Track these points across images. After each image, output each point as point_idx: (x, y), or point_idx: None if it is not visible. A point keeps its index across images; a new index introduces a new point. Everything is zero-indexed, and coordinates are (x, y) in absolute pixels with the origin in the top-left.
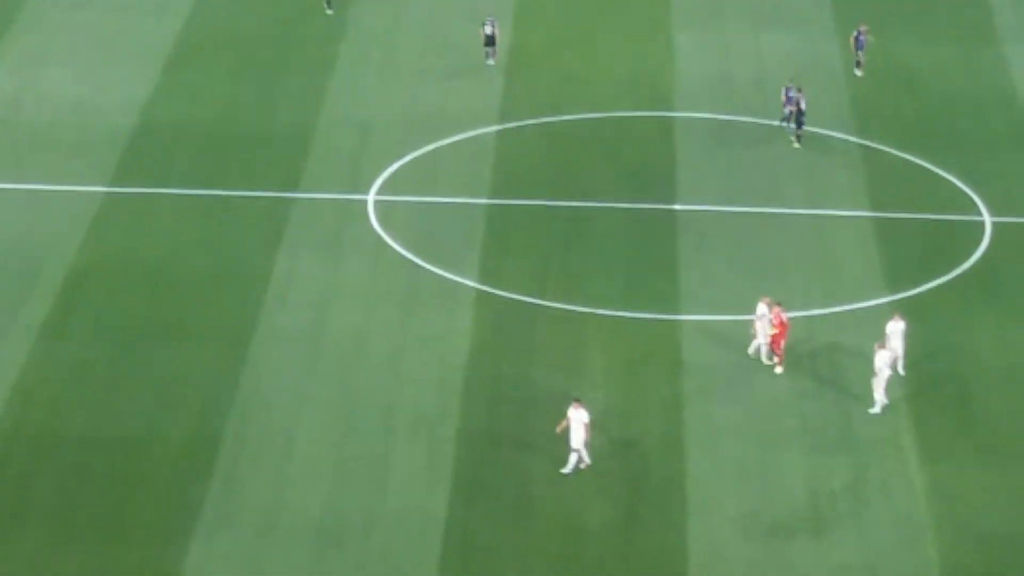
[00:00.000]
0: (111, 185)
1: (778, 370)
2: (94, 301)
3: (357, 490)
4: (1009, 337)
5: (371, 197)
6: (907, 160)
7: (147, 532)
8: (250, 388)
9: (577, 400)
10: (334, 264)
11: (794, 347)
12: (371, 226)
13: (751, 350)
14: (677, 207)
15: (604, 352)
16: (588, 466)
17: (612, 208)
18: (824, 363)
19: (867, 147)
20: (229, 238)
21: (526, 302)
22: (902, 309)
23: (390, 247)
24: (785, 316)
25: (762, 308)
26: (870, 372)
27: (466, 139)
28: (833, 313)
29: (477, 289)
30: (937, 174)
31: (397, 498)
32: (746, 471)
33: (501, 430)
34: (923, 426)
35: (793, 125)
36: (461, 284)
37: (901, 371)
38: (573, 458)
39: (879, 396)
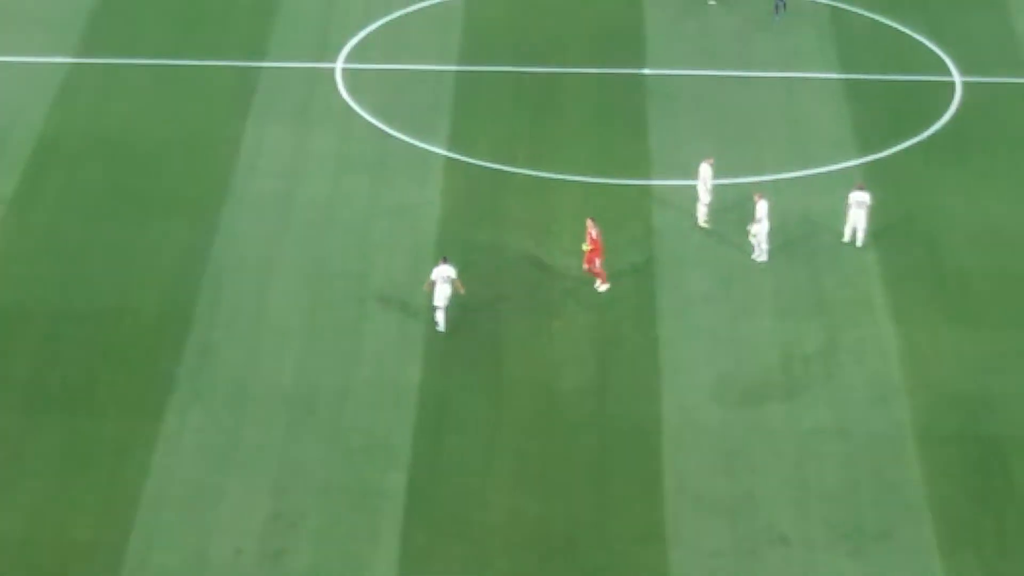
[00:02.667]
0: (76, 56)
1: (602, 288)
2: (62, 173)
3: (330, 359)
4: (979, 197)
5: (339, 65)
6: (876, 21)
7: (121, 405)
8: (221, 258)
9: (444, 258)
10: (303, 132)
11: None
12: (339, 94)
13: (699, 218)
14: (646, 71)
15: (575, 218)
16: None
17: (581, 73)
18: (795, 226)
19: (836, 8)
20: (197, 108)
21: (496, 169)
22: (869, 177)
23: (358, 115)
24: (596, 232)
25: (705, 169)
26: (839, 234)
27: (434, 4)
28: (804, 176)
29: (446, 156)
30: (907, 34)
31: (370, 367)
32: (718, 336)
33: (472, 297)
34: (895, 288)
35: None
36: (430, 152)
37: (859, 243)
38: (439, 315)
39: (764, 245)
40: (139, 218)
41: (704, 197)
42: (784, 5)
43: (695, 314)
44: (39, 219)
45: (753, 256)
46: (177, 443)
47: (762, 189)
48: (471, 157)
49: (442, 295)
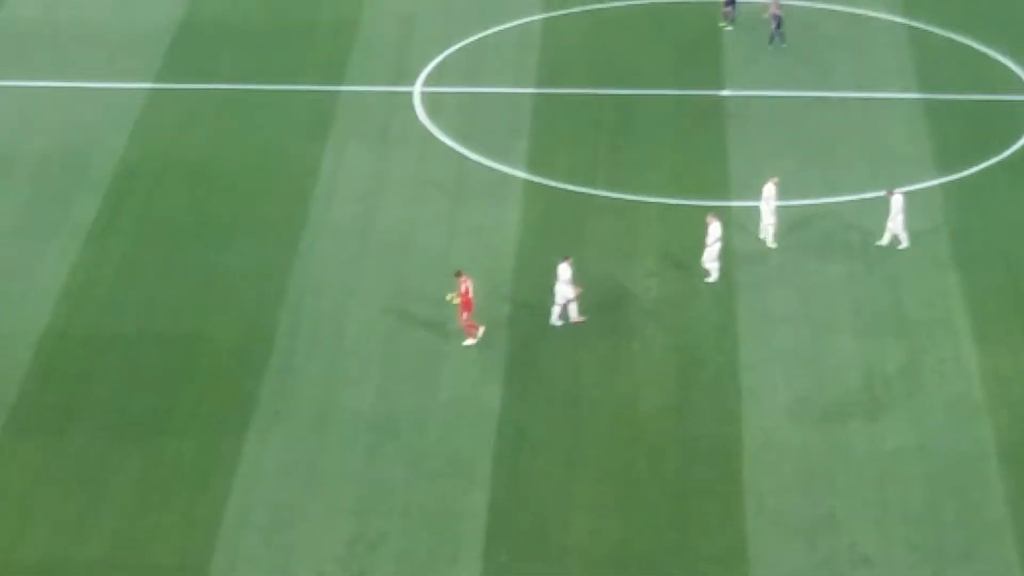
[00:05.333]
0: (156, 82)
1: (468, 342)
2: (142, 198)
3: (410, 382)
4: None
5: (417, 89)
6: (954, 40)
7: (202, 428)
8: (301, 282)
9: (565, 258)
10: (381, 157)
11: (845, 231)
12: (417, 118)
13: (761, 234)
14: (725, 93)
15: (654, 240)
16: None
17: (659, 95)
18: (874, 247)
19: (913, 27)
20: (276, 133)
21: (575, 191)
22: (948, 197)
23: (437, 139)
24: (468, 285)
25: (769, 188)
26: (919, 254)
27: (512, 27)
28: (883, 196)
29: (525, 179)
30: (985, 54)
31: (449, 389)
32: (799, 357)
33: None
34: (976, 308)
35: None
36: (509, 174)
37: (903, 245)
38: (556, 310)
39: (714, 266)
40: (219, 242)
41: (768, 217)
42: (782, 36)
43: (775, 335)
44: (120, 244)
45: (706, 280)
46: (258, 466)
47: (716, 212)
48: (550, 179)
49: (561, 294)
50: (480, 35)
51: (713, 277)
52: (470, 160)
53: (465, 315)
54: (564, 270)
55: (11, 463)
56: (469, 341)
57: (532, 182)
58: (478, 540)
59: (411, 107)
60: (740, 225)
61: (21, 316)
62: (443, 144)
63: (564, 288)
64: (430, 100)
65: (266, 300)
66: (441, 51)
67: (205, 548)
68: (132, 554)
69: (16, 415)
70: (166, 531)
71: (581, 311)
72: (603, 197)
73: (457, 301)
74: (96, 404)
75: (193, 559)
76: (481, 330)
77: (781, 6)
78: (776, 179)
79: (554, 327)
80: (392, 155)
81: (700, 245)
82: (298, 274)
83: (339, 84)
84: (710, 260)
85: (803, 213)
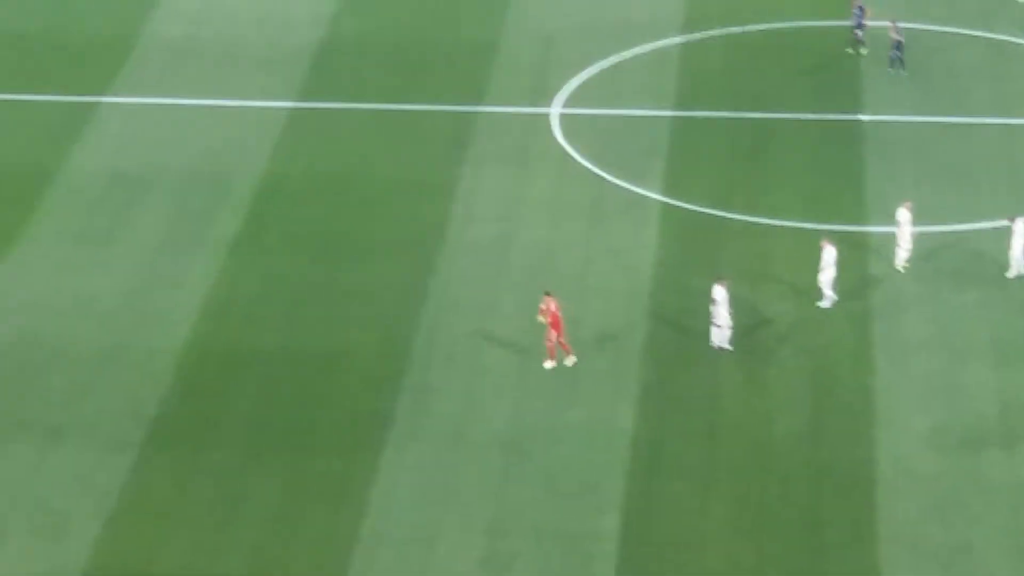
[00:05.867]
0: (298, 100)
1: (547, 364)
2: (283, 215)
3: (544, 402)
4: None
5: (555, 110)
6: None
7: (338, 443)
8: (438, 301)
9: (719, 278)
10: (519, 177)
11: (982, 258)
12: (555, 139)
13: (897, 262)
14: (862, 117)
15: (790, 264)
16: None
17: (796, 119)
18: (1014, 275)
19: None
20: (416, 152)
21: (711, 214)
22: None
23: (575, 160)
24: (555, 305)
25: (903, 214)
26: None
27: (650, 50)
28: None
29: (662, 202)
30: None
31: (584, 410)
32: (935, 384)
33: (687, 342)
34: None
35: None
36: (646, 196)
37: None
38: (714, 332)
39: (828, 292)
40: (359, 260)
41: (903, 242)
42: (901, 62)
43: (911, 361)
44: (261, 261)
45: (818, 304)
46: (394, 483)
47: (830, 237)
48: (686, 202)
49: (720, 316)
50: (619, 57)
51: (826, 303)
52: (607, 181)
53: (553, 335)
54: (720, 292)
55: (151, 477)
56: (549, 363)
57: (668, 204)
58: (610, 563)
59: (549, 128)
60: (876, 250)
61: (163, 331)
62: (580, 165)
63: (722, 310)
64: (568, 121)
65: (404, 319)
66: (580, 72)
67: (341, 564)
68: (269, 568)
69: (157, 429)
70: (303, 546)
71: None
72: (739, 220)
73: (545, 321)
74: (235, 419)
75: (329, 574)
76: (571, 359)
77: (901, 31)
78: (909, 204)
79: (723, 349)
80: (530, 176)
81: (836, 269)
82: (436, 293)
83: (478, 104)
84: (825, 285)
85: (939, 239)
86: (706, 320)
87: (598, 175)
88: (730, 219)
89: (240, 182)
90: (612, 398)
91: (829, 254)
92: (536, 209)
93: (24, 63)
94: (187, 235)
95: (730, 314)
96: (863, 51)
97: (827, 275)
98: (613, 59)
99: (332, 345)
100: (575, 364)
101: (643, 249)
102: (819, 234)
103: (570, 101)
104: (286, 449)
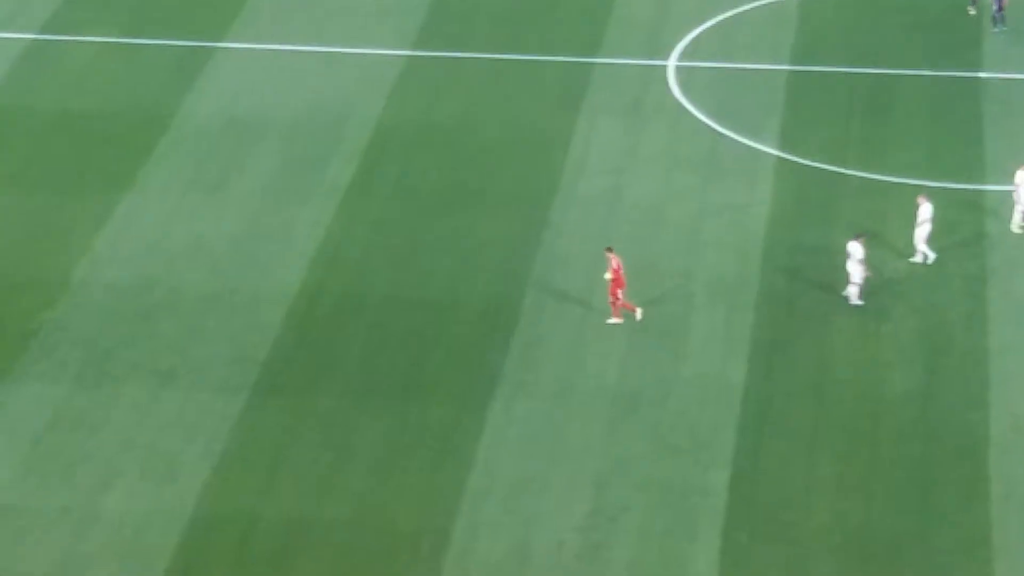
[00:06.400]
0: (413, 49)
1: (612, 320)
2: (396, 163)
3: (654, 356)
4: None
5: (671, 63)
6: None
7: (447, 393)
8: (549, 253)
9: (857, 235)
10: (633, 130)
11: None
12: (671, 92)
13: (1014, 224)
14: (982, 74)
15: (906, 222)
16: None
17: (915, 75)
18: None
19: None
20: (529, 103)
21: (827, 170)
22: None
23: (689, 113)
24: (617, 262)
25: (1021, 175)
26: None
27: (768, 3)
28: None
29: (777, 156)
30: None
31: (694, 365)
32: None
33: (800, 299)
34: None
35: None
36: (761, 151)
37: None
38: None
39: (923, 248)
40: (470, 210)
41: (1021, 204)
42: (1003, 18)
43: None
44: (373, 208)
45: (911, 260)
46: (502, 434)
47: (927, 193)
48: (802, 157)
49: (856, 272)
50: (736, 11)
51: (919, 258)
52: (722, 136)
53: (617, 292)
54: (856, 248)
55: (261, 422)
56: (614, 320)
57: (784, 159)
58: (718, 518)
59: (664, 81)
60: (993, 210)
61: (274, 277)
62: (695, 119)
63: (857, 267)
64: (684, 74)
65: (514, 270)
66: (697, 26)
67: (448, 513)
68: (375, 516)
69: (266, 374)
70: (410, 494)
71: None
72: (855, 176)
73: (609, 277)
74: (345, 366)
75: (435, 523)
76: (638, 312)
77: None
78: None
79: (857, 306)
80: (644, 129)
81: (952, 228)
82: (546, 245)
83: (594, 56)
84: (920, 241)
85: None
86: (820, 276)
87: (713, 129)
88: (846, 175)
89: (353, 130)
90: (723, 353)
91: (925, 210)
92: (649, 162)
93: (142, 9)
94: (299, 182)
95: (866, 269)
96: (971, 11)
97: (923, 231)
98: (731, 12)
99: (442, 295)
100: (641, 319)
101: (757, 204)
102: (934, 192)
103: (686, 54)
104: (394, 398)
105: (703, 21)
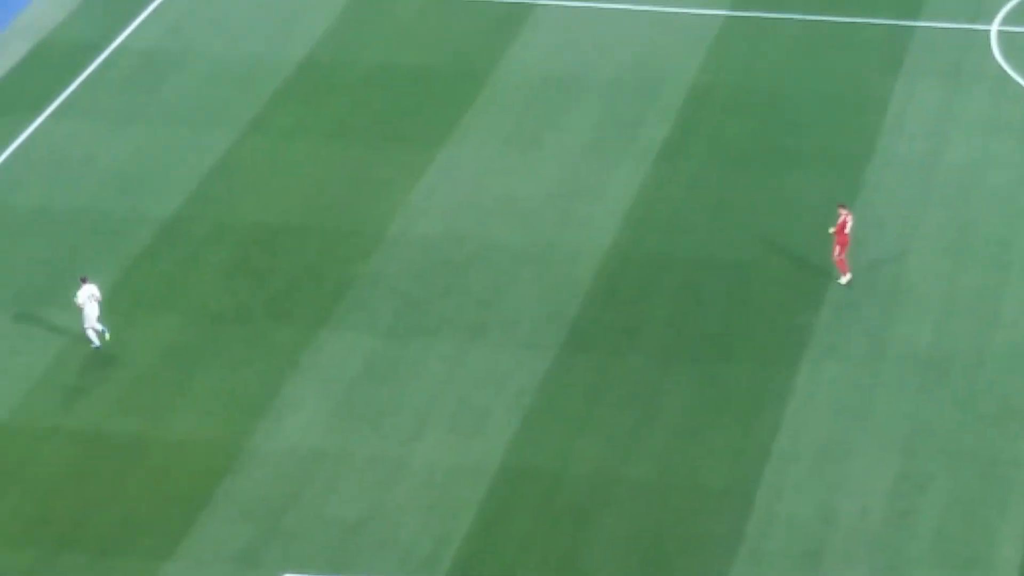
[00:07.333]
0: (732, 9)
1: (843, 279)
2: (711, 122)
3: (968, 323)
4: None
5: (995, 27)
6: None
7: (756, 355)
8: (864, 215)
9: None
10: (953, 94)
11: None
12: (993, 57)
13: None
14: None
15: None
16: None
17: None
18: None
19: None
20: (847, 64)
21: None
22: None
23: (1012, 79)
24: (848, 220)
25: None
26: None
27: None
28: None
29: None
30: None
31: (1008, 332)
32: None
33: None
34: None
35: None
36: None
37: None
38: None
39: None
40: (785, 171)
41: None
42: None
43: None
44: (687, 167)
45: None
46: (810, 397)
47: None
48: None
49: None
50: None
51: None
52: None
53: (837, 250)
54: None
55: (569, 378)
56: (844, 278)
57: None
58: None
59: (987, 46)
60: None
61: (587, 235)
62: (1017, 85)
63: None
64: (1007, 40)
65: (827, 231)
66: None
67: (753, 475)
68: (680, 475)
69: (576, 332)
70: (715, 455)
71: None
72: None
73: (832, 231)
74: (654, 324)
75: (740, 484)
76: (844, 278)
77: None
78: None
79: None
80: (964, 93)
81: None
82: (862, 207)
83: (915, 19)
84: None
85: None
86: None
87: None
88: None
89: (670, 89)
90: None
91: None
92: (968, 127)
93: None
94: (614, 140)
95: None
96: None
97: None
98: None
99: (755, 256)
100: (849, 282)
101: None
102: None
103: (1010, 19)
104: (703, 358)
105: None
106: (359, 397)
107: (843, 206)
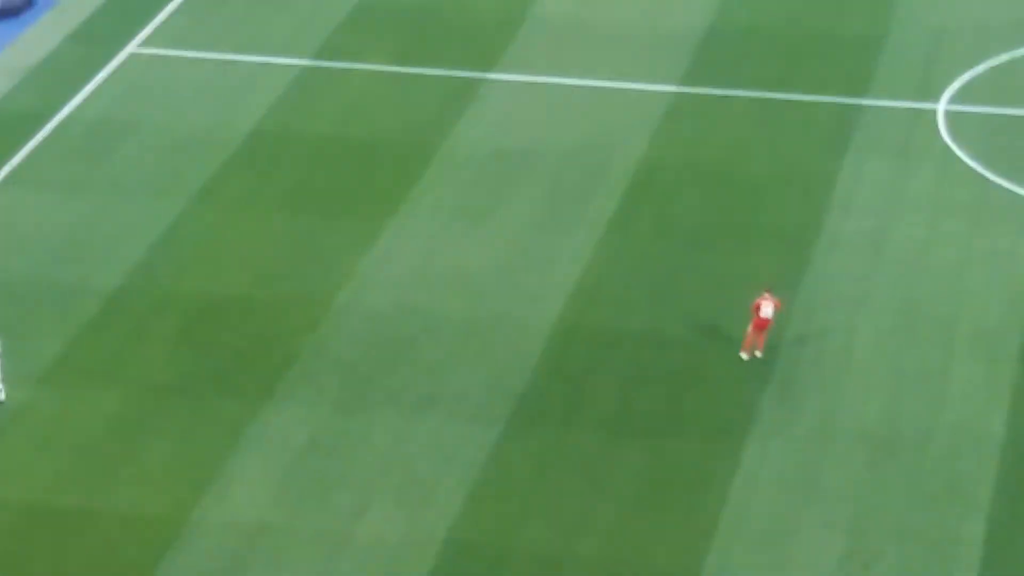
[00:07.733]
0: (681, 85)
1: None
2: (659, 198)
3: (914, 402)
4: None
5: (941, 106)
6: None
7: (702, 431)
8: (811, 294)
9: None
10: (900, 172)
11: None
12: (940, 136)
13: None
14: None
15: None
16: None
17: None
18: None
19: None
20: (795, 142)
21: None
22: None
23: (959, 158)
24: (766, 303)
25: None
26: None
27: None
28: None
29: None
30: None
31: (954, 413)
32: None
33: None
34: None
35: None
36: None
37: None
38: None
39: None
40: (732, 248)
41: None
42: None
43: None
44: (635, 243)
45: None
46: (756, 475)
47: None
48: None
49: None
50: (1012, 55)
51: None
52: (991, 182)
53: (750, 329)
54: None
55: (517, 453)
56: (744, 353)
57: None
58: (973, 569)
59: (934, 124)
60: None
61: (535, 308)
62: (965, 164)
63: None
64: (954, 119)
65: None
66: (969, 69)
67: (699, 552)
68: (627, 553)
69: (524, 406)
70: (662, 532)
71: None
72: None
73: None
74: (601, 399)
75: (686, 562)
76: (745, 353)
77: None
78: None
79: None
80: (911, 172)
81: None
82: (808, 285)
83: (863, 97)
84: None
85: None
86: None
87: (982, 175)
88: None
89: (618, 164)
90: (984, 403)
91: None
92: (915, 206)
93: (413, 38)
94: (563, 214)
95: None
96: None
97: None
98: (1005, 57)
99: (701, 332)
100: (747, 360)
101: None
102: None
103: (957, 98)
104: (650, 434)
105: (976, 65)
106: (305, 470)
107: (768, 290)
